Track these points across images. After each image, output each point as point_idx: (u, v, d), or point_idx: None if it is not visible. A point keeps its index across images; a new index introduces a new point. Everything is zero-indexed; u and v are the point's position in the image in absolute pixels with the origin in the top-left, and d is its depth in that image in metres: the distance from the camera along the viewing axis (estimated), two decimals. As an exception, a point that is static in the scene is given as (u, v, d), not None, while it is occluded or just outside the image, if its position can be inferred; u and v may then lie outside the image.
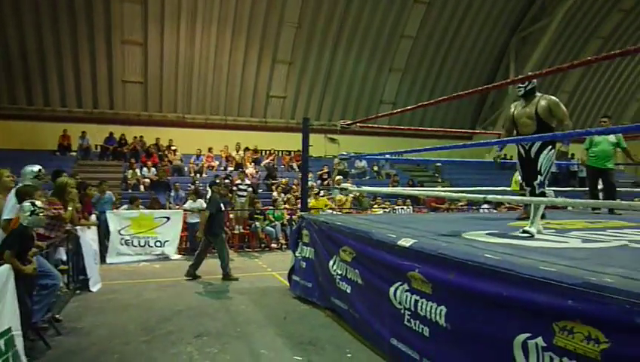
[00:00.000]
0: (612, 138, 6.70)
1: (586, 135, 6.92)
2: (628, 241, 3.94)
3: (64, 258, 6.28)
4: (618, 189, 6.71)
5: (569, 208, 9.04)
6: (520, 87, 4.52)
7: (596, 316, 2.26)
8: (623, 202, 3.86)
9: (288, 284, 7.01)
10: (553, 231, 4.72)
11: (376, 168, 18.48)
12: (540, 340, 2.52)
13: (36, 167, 5.12)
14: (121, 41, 16.99)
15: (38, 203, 4.16)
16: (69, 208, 5.99)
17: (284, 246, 11.31)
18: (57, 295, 5.74)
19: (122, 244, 9.82)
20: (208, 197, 8.81)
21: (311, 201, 11.04)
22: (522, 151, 4.43)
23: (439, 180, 18.90)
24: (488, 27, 20.29)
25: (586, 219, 5.96)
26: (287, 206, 12.43)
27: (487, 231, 4.52)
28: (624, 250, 3.63)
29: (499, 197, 5.36)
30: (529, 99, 4.47)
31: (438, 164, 18.49)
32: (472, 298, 3.04)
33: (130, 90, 17.98)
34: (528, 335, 2.59)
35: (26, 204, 4.12)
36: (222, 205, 8.22)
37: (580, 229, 4.87)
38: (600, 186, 6.90)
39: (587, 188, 7.26)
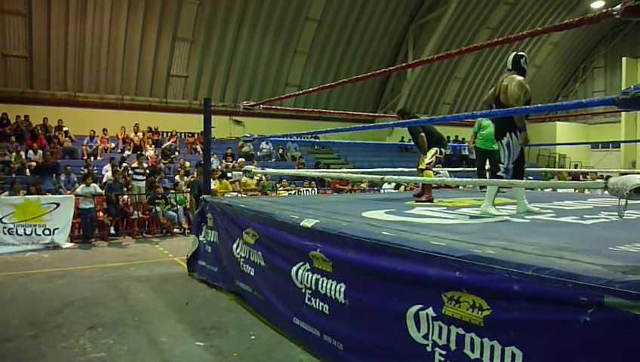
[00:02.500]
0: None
1: (473, 118, 7.39)
2: (509, 216, 4.29)
3: None
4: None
5: (460, 187, 9.68)
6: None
7: (479, 285, 2.44)
8: (506, 181, 4.20)
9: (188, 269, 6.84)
10: (445, 208, 5.02)
11: (281, 151, 18.49)
12: (430, 311, 2.68)
13: None
14: (1, 10, 15.25)
15: None
16: None
17: (187, 232, 10.98)
18: None
19: (5, 233, 8.96)
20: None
21: (215, 184, 10.82)
22: None
23: (345, 163, 19.38)
24: (388, 14, 20.94)
25: (474, 197, 6.41)
26: (189, 190, 12.05)
27: (385, 210, 4.70)
28: (507, 224, 3.95)
29: (395, 177, 5.60)
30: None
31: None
32: (369, 274, 3.16)
33: (12, 64, 16.19)
34: (420, 306, 2.74)
35: None
36: None
37: (468, 206, 5.22)
38: (487, 166, 7.42)
39: (473, 169, 7.80)
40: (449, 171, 12.82)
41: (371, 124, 5.58)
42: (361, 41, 21.26)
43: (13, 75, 16.29)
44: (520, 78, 4.30)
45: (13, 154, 13.34)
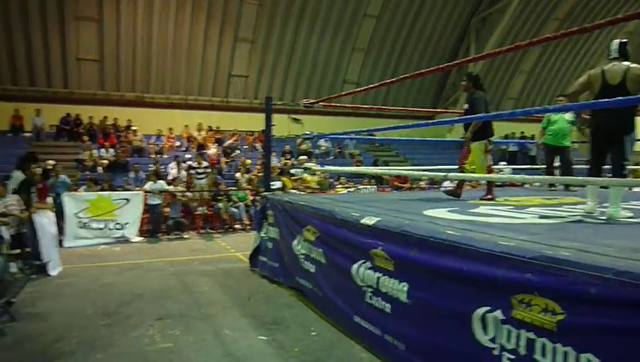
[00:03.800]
0: (569, 116, 6.87)
1: (544, 112, 7.07)
2: (582, 216, 4.06)
3: (6, 236, 6.02)
4: (574, 167, 6.92)
5: (526, 185, 9.31)
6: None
7: (553, 288, 2.32)
8: (579, 178, 3.98)
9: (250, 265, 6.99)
10: (512, 207, 4.83)
11: (338, 149, 18.51)
12: (498, 313, 2.58)
13: None
14: (75, 17, 16.20)
15: None
16: None
17: (247, 228, 11.23)
18: (9, 280, 5.54)
19: (80, 227, 9.53)
20: None
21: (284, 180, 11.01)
22: None
23: (404, 160, 19.12)
24: (449, 8, 20.42)
25: (543, 196, 6.14)
26: (249, 186, 12.32)
27: (448, 209, 4.59)
28: (579, 224, 3.74)
29: (459, 175, 5.45)
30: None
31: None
32: (433, 273, 3.09)
33: (85, 68, 17.20)
34: (487, 308, 2.65)
35: None
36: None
37: (537, 205, 5.00)
38: (557, 164, 7.09)
39: (542, 166, 7.46)
40: (513, 168, 12.38)
41: (431, 121, 5.45)
42: (421, 36, 20.87)
43: (86, 78, 17.30)
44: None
45: (87, 152, 14.16)
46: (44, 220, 7.01)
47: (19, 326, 4.57)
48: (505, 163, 14.99)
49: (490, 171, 5.74)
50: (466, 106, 5.85)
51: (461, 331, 2.78)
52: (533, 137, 18.50)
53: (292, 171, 11.80)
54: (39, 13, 15.63)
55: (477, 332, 2.70)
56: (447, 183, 12.40)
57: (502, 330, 2.56)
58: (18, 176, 7.18)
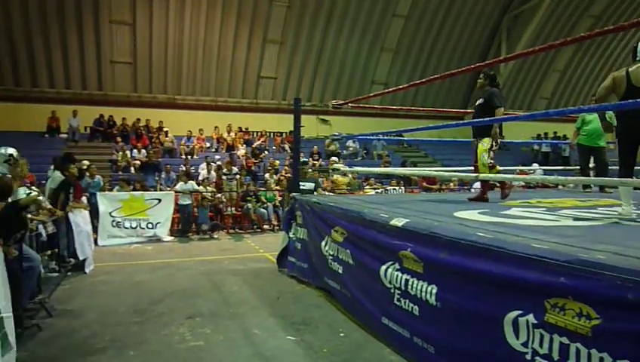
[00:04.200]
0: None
1: (579, 113, 6.89)
2: (618, 219, 3.95)
3: (43, 234, 6.21)
4: (609, 168, 6.72)
5: (559, 186, 9.10)
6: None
7: (588, 292, 2.26)
8: (614, 179, 3.86)
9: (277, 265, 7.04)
10: (544, 209, 4.73)
11: (365, 150, 18.47)
12: (531, 317, 2.53)
13: (9, 150, 4.74)
14: (109, 21, 16.64)
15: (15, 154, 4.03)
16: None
17: (276, 228, 11.32)
18: (47, 277, 5.72)
19: (114, 226, 9.78)
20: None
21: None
22: None
23: (432, 161, 18.94)
24: (480, 6, 20.12)
25: (577, 198, 5.99)
26: (278, 187, 12.41)
27: (479, 210, 4.52)
28: (615, 227, 3.64)
29: (491, 175, 5.37)
30: None
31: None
32: (463, 276, 3.05)
33: (119, 70, 17.67)
34: (519, 312, 2.60)
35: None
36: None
37: (570, 207, 4.88)
38: (591, 165, 6.91)
39: (576, 167, 7.26)
40: (545, 170, 12.13)
41: (460, 121, 5.35)
42: (450, 35, 20.61)
43: (120, 80, 17.77)
44: None
45: (120, 153, 14.51)
46: (79, 219, 7.22)
47: (55, 322, 4.72)
48: (537, 164, 14.70)
49: (492, 167, 5.50)
50: (480, 101, 5.66)
51: (492, 335, 2.73)
52: (565, 137, 18.11)
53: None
54: (75, 18, 16.13)
55: (509, 336, 2.65)
56: (477, 185, 12.25)
57: (534, 334, 2.51)
58: (57, 176, 7.41)
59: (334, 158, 13.89)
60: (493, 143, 5.47)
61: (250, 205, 11.50)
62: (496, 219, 3.98)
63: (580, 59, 23.18)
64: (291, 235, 6.68)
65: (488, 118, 5.14)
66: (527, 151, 20.86)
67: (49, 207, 6.22)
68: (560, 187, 8.83)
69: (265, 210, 11.66)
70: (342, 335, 4.31)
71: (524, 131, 19.15)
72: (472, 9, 20.09)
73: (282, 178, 13.10)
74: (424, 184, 13.20)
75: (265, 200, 11.87)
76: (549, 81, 23.53)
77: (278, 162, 14.84)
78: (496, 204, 5.41)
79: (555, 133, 20.56)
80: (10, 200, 4.42)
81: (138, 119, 16.83)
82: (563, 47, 20.78)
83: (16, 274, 4.19)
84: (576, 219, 4.02)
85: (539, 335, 2.49)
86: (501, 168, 6.68)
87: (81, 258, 6.97)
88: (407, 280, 3.61)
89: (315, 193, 8.28)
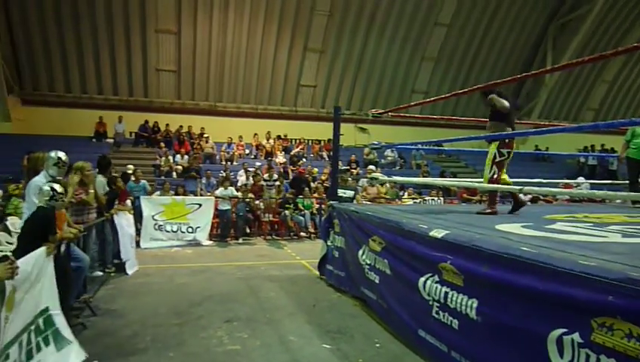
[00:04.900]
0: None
1: (630, 125, 6.64)
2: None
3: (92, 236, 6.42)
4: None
5: (607, 201, 8.77)
6: None
7: (638, 312, 2.17)
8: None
9: (317, 273, 7.05)
10: (591, 224, 4.57)
11: (402, 159, 18.30)
12: (576, 336, 2.44)
13: (58, 154, 4.81)
14: (155, 30, 17.22)
15: (57, 188, 4.17)
16: (90, 191, 6.12)
17: (312, 236, 11.35)
18: (91, 277, 5.91)
19: (156, 229, 10.02)
20: None
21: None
22: None
23: (473, 171, 18.60)
24: (525, 14, 19.67)
25: (626, 213, 5.76)
26: (315, 195, 12.45)
27: (521, 224, 4.41)
28: (667, 245, 3.48)
29: (535, 188, 5.22)
30: None
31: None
32: (505, 291, 2.97)
33: (163, 78, 18.26)
34: (564, 330, 2.51)
35: (46, 188, 4.12)
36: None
37: (619, 223, 4.69)
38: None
39: (625, 182, 6.99)
40: (591, 184, 11.73)
41: (503, 133, 5.20)
42: (494, 44, 20.25)
43: (165, 88, 18.33)
44: None
45: (163, 158, 14.90)
46: (124, 221, 7.45)
47: (99, 321, 4.89)
48: (582, 178, 14.22)
49: (493, 182, 5.24)
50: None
51: (535, 353, 2.65)
52: (613, 150, 17.47)
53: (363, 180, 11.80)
54: (123, 27, 16.79)
55: (552, 355, 2.56)
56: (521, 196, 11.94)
57: (580, 354, 2.42)
58: (101, 180, 7.66)
59: (371, 167, 13.83)
60: (497, 154, 5.23)
61: (287, 212, 11.58)
62: (540, 233, 3.87)
63: (631, 69, 22.34)
64: (329, 243, 6.70)
65: (534, 130, 5.01)
66: (572, 163, 20.21)
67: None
68: (607, 202, 8.52)
69: (302, 218, 11.71)
70: (378, 346, 4.28)
71: (570, 143, 18.55)
72: (517, 17, 19.69)
73: (319, 186, 13.16)
74: (464, 195, 12.96)
75: (302, 208, 11.93)
76: (597, 92, 22.74)
77: (316, 170, 14.91)
78: (539, 217, 5.26)
79: (602, 145, 19.85)
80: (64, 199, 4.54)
81: (181, 126, 17.28)
82: (613, 57, 20.10)
83: (67, 274, 4.36)
84: (625, 235, 3.86)
85: (584, 355, 2.40)
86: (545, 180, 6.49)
87: (123, 259, 7.19)
88: (446, 293, 3.55)
89: (354, 201, 8.28)
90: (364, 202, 11.00)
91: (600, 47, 20.20)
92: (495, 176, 5.22)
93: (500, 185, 5.24)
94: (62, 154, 4.83)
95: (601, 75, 22.14)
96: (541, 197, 11.46)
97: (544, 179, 8.12)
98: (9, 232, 6.73)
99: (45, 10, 15.84)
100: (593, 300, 2.36)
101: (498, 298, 3.04)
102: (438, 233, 3.80)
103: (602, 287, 2.32)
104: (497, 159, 5.23)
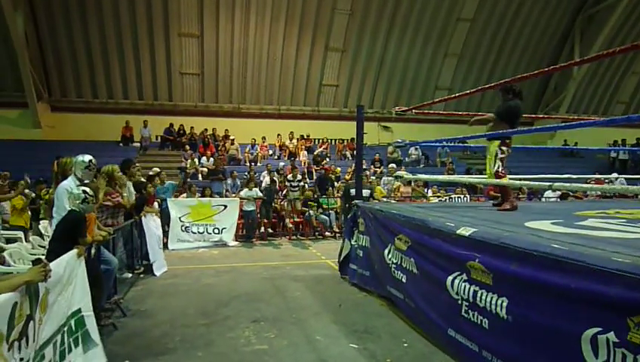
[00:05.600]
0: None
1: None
2: None
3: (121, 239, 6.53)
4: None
5: (639, 196, 8.52)
6: None
7: (677, 311, 2.10)
8: None
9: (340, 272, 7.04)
10: (624, 220, 4.44)
11: (426, 158, 18.13)
12: (611, 335, 2.38)
13: (87, 157, 4.90)
14: (179, 34, 17.43)
15: (89, 191, 4.23)
16: (125, 194, 6.22)
17: (337, 235, 11.33)
18: (121, 278, 6.01)
19: (182, 231, 10.15)
20: None
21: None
22: None
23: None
24: (551, 6, 19.24)
25: (661, 209, 5.58)
26: (339, 194, 12.42)
27: (551, 221, 4.31)
28: None
29: (566, 185, 5.11)
30: None
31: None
32: (536, 289, 2.91)
33: (187, 81, 18.48)
34: (598, 329, 2.44)
35: (78, 191, 4.18)
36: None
37: (654, 219, 4.55)
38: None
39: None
40: (626, 178, 11.42)
41: (530, 127, 5.11)
42: (519, 38, 19.86)
43: (188, 91, 18.56)
44: None
45: (189, 161, 15.09)
46: (151, 223, 7.57)
47: (128, 322, 4.97)
48: (616, 173, 13.87)
49: (500, 176, 5.33)
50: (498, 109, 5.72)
51: (568, 352, 2.58)
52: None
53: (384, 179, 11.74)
54: (147, 32, 17.05)
55: (586, 355, 2.50)
56: (548, 193, 11.70)
57: (616, 354, 2.35)
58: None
59: (392, 165, 13.73)
60: (499, 151, 5.36)
61: (311, 212, 11.59)
62: (571, 230, 3.78)
63: (662, 60, 21.65)
64: (353, 242, 6.67)
65: (565, 125, 4.91)
66: (602, 158, 19.70)
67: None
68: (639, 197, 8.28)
69: (326, 217, 11.71)
70: (405, 345, 4.24)
71: (600, 137, 18.09)
72: (543, 10, 19.26)
73: (341, 185, 13.13)
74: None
75: (326, 207, 11.92)
76: (628, 85, 22.11)
77: (339, 169, 14.89)
78: (569, 213, 5.14)
79: (637, 139, 19.29)
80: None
81: (205, 129, 17.47)
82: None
83: (99, 276, 4.44)
84: (660, 231, 3.74)
85: (621, 355, 2.33)
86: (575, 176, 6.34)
87: (152, 260, 7.30)
88: (475, 292, 3.49)
89: (371, 200, 8.25)
90: (392, 201, 10.94)
91: (630, 39, 19.63)
92: (500, 169, 5.35)
93: (513, 181, 5.29)
94: (90, 157, 4.93)
95: (632, 67, 21.51)
96: (571, 194, 11.20)
97: (574, 175, 7.92)
98: (41, 236, 6.92)
99: (72, 20, 16.21)
100: (629, 298, 2.29)
101: (529, 296, 2.97)
102: (465, 231, 3.75)
103: (638, 285, 2.25)
104: (500, 155, 5.38)
